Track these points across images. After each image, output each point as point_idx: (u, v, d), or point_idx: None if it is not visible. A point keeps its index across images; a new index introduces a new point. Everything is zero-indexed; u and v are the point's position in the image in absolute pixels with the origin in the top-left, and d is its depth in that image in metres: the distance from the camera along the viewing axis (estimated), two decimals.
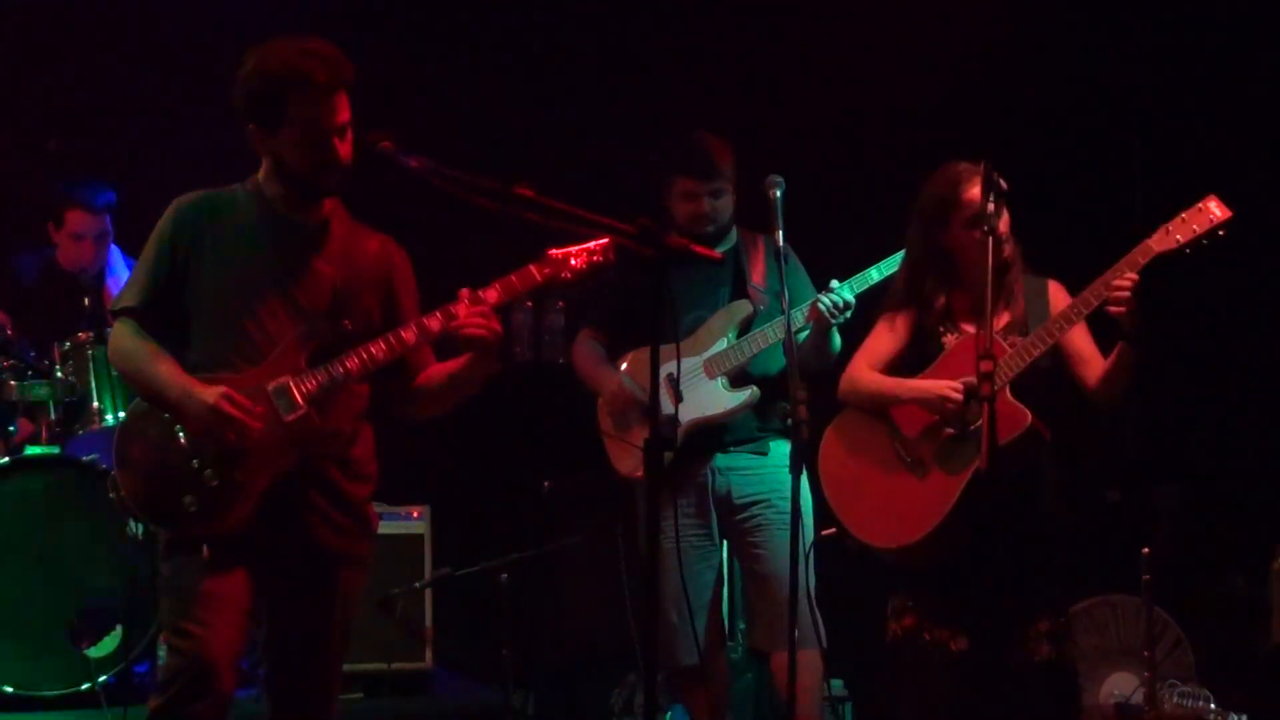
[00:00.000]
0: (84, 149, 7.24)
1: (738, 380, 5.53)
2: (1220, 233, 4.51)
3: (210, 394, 3.98)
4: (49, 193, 6.65)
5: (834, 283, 5.36)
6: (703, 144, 5.60)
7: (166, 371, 4.07)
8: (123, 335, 4.16)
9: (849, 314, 5.35)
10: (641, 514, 5.57)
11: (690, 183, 5.55)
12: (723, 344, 5.54)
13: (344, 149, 4.10)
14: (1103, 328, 4.71)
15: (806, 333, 5.46)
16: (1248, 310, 7.07)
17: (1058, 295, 4.86)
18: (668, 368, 4.19)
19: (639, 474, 5.50)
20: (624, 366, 5.63)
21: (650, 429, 3.88)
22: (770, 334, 5.45)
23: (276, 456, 4.04)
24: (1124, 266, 4.55)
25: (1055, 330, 4.67)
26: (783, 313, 5.13)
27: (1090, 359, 4.79)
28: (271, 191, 4.18)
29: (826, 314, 5.33)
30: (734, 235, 5.68)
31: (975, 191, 4.67)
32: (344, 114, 4.08)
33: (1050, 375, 4.79)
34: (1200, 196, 4.55)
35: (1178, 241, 4.53)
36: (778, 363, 5.49)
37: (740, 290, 5.61)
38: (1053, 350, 4.70)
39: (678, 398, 5.28)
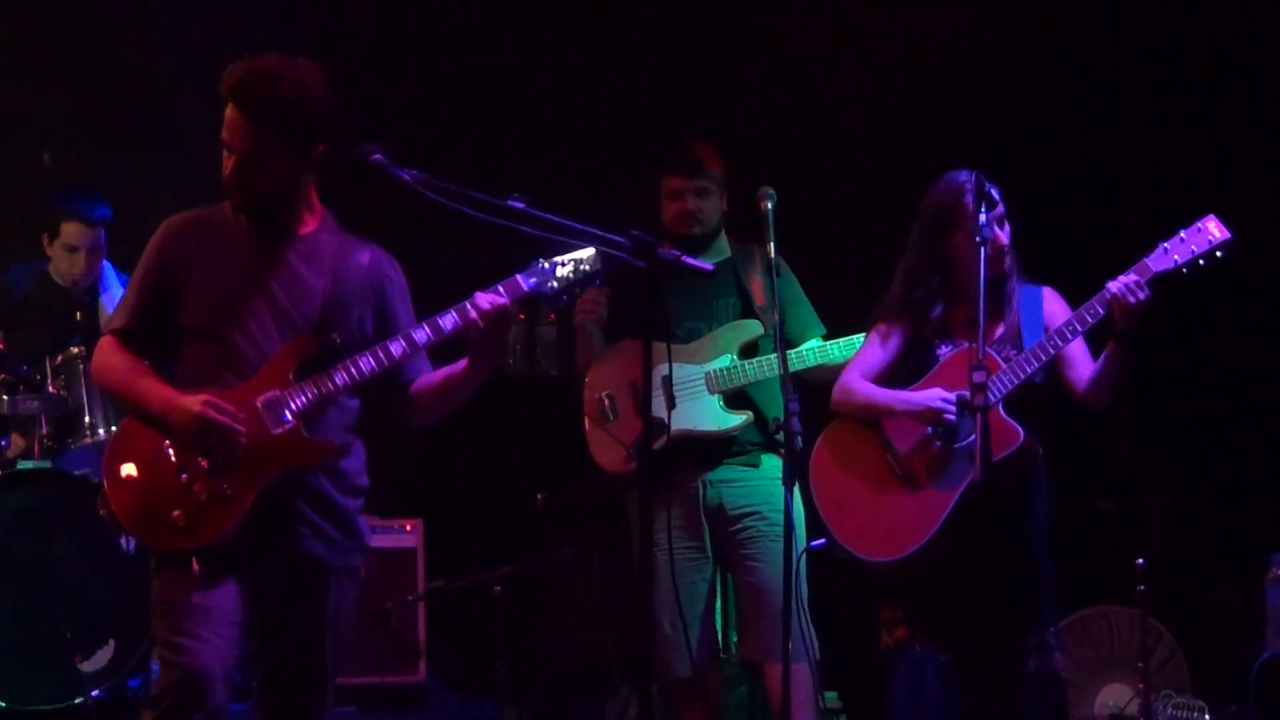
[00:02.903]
0: (76, 163, 7.24)
1: (733, 401, 5.51)
2: (1218, 254, 4.49)
3: (193, 402, 3.99)
4: (44, 204, 6.63)
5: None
6: (688, 143, 5.64)
7: (148, 385, 4.07)
8: (105, 352, 4.17)
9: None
10: (634, 526, 5.57)
11: (676, 180, 5.56)
12: (726, 360, 5.50)
13: (226, 163, 4.08)
14: (1095, 330, 4.69)
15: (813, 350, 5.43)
16: (1242, 318, 7.06)
17: (1053, 303, 4.85)
18: (660, 370, 4.18)
19: (620, 468, 5.47)
20: (599, 368, 5.61)
21: (643, 441, 3.88)
22: (776, 368, 5.32)
23: (264, 469, 4.02)
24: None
25: (1049, 348, 4.65)
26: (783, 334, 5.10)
27: (1080, 362, 4.78)
28: None
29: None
30: (726, 246, 5.67)
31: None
32: (225, 130, 4.05)
33: (1043, 390, 4.78)
34: (1197, 204, 4.53)
35: (1175, 262, 4.51)
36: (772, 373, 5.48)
37: (748, 307, 5.59)
38: (1046, 365, 4.69)
39: (670, 403, 5.26)
